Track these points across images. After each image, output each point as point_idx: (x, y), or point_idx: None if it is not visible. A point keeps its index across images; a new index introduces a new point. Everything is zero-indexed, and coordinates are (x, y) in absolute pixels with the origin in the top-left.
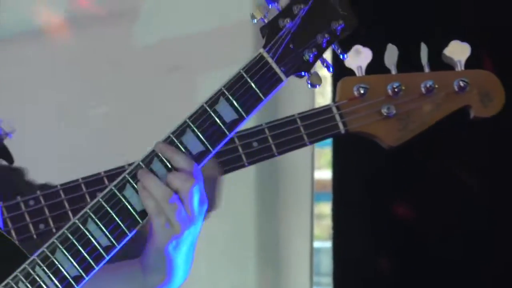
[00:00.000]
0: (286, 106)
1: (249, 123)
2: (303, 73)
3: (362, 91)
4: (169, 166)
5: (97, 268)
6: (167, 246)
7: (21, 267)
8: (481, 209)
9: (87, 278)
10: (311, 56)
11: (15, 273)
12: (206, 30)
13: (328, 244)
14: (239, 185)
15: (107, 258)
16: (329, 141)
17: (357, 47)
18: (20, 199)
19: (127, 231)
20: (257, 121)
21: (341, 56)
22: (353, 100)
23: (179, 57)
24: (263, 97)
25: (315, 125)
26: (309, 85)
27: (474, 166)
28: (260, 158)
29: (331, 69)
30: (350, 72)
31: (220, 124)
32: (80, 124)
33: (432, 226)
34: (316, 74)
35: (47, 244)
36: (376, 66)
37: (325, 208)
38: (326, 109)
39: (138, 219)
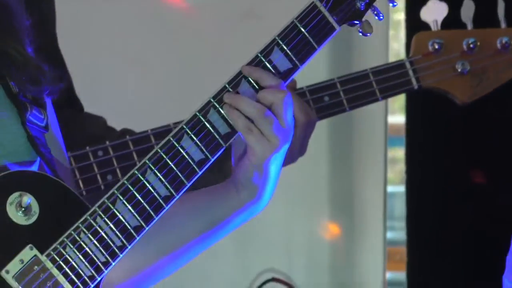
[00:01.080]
0: (361, 52)
1: (321, 76)
2: (355, 21)
3: (436, 47)
4: (257, 87)
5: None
6: (267, 160)
7: (82, 218)
8: None
9: (147, 228)
10: (362, 4)
11: (76, 224)
12: None
13: (402, 189)
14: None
15: (199, 173)
16: None
17: (434, 0)
18: (88, 149)
19: (209, 156)
20: (330, 73)
21: (390, 5)
22: (427, 56)
23: (254, 4)
24: (316, 46)
25: (387, 80)
26: (360, 34)
27: None
28: (331, 113)
29: (381, 16)
30: (422, 22)
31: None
32: (152, 73)
33: (504, 177)
34: (368, 23)
35: (107, 195)
36: (452, 21)
37: (399, 153)
38: (399, 64)
39: (221, 142)
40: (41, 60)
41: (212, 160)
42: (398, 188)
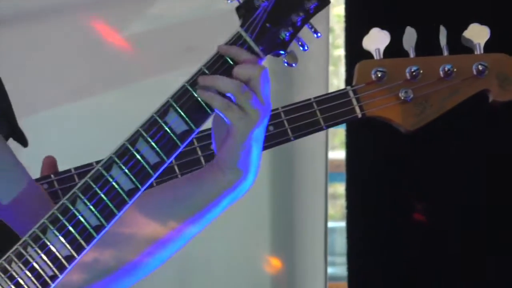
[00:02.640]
0: (300, 88)
1: None
2: (280, 51)
3: (379, 75)
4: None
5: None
6: (249, 136)
7: (13, 248)
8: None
9: (78, 258)
10: (288, 34)
11: (7, 254)
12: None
13: (343, 224)
14: None
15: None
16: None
17: (376, 29)
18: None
19: (165, 158)
20: (273, 105)
21: (315, 35)
22: (370, 84)
23: (192, 39)
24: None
25: (331, 109)
26: (285, 64)
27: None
28: (276, 143)
29: (306, 47)
30: (367, 55)
31: None
32: (93, 107)
33: (448, 210)
34: (293, 53)
35: (37, 225)
36: (394, 49)
37: (339, 188)
38: (343, 93)
39: (178, 142)
40: None
41: (168, 162)
42: (339, 224)
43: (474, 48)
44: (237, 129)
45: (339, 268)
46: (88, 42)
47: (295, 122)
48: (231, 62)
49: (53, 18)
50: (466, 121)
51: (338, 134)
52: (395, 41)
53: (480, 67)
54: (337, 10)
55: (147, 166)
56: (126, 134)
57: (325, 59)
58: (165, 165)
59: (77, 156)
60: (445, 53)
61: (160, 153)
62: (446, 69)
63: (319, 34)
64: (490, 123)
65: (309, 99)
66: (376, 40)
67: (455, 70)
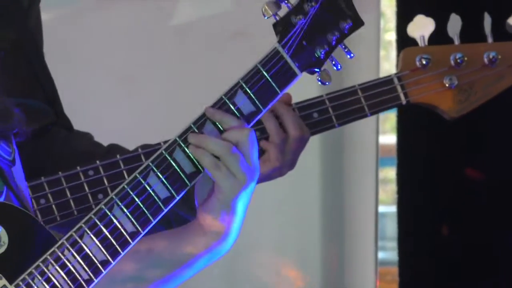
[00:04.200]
0: (351, 73)
1: (310, 93)
2: (315, 69)
3: (424, 62)
4: (221, 128)
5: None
6: (235, 198)
7: (51, 250)
8: None
9: (113, 263)
10: (323, 52)
11: (44, 256)
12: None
13: (393, 209)
14: (304, 150)
15: (165, 210)
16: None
17: (420, 16)
18: (79, 169)
19: (175, 194)
20: (320, 91)
21: (348, 56)
22: (415, 71)
23: (241, 24)
24: (279, 91)
25: (376, 96)
26: (319, 82)
27: None
28: (320, 130)
29: (339, 66)
30: (414, 42)
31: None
32: (143, 90)
33: (499, 193)
34: (326, 72)
35: (75, 228)
36: (439, 36)
37: (390, 173)
38: (387, 80)
39: (187, 181)
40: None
41: (178, 198)
42: (390, 208)
43: None
44: (223, 190)
45: (389, 253)
46: (137, 30)
47: (340, 109)
48: (219, 127)
49: (104, 5)
50: None
51: (389, 119)
52: (440, 28)
53: None
54: None
55: (183, 176)
56: (174, 121)
57: (376, 44)
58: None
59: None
60: (490, 40)
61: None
62: (491, 56)
63: (352, 55)
64: None
65: (354, 86)
66: (421, 27)
67: (499, 57)
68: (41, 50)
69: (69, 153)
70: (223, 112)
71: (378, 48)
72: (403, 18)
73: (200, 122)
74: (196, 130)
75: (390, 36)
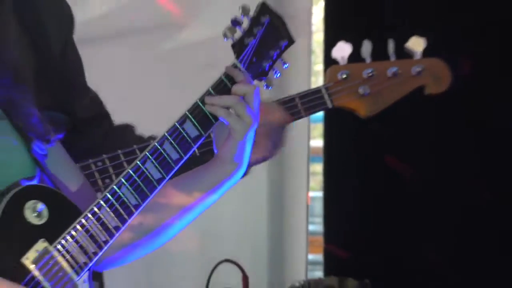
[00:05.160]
0: (288, 86)
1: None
2: (263, 78)
3: (344, 76)
4: (229, 86)
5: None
6: (244, 136)
7: (78, 220)
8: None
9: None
10: (267, 65)
11: (74, 224)
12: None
13: (320, 194)
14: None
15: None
16: (321, 117)
17: (341, 42)
18: (91, 160)
19: (192, 144)
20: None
21: (283, 66)
22: (337, 83)
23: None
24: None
25: (310, 102)
26: (265, 87)
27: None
28: None
29: (279, 74)
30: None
31: None
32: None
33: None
34: (270, 78)
35: (114, 182)
36: (355, 57)
37: (318, 168)
38: (317, 90)
39: (192, 143)
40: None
41: (204, 136)
42: (317, 194)
43: (414, 55)
44: (236, 131)
45: (317, 226)
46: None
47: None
48: (229, 85)
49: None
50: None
51: (317, 127)
52: (356, 51)
53: (418, 69)
54: (317, 36)
55: (170, 162)
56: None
57: (308, 73)
58: (183, 160)
59: None
60: (392, 58)
61: (180, 151)
62: (393, 70)
63: (286, 65)
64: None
65: (293, 95)
66: (342, 51)
67: (400, 71)
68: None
69: (116, 144)
70: (237, 71)
71: (309, 76)
72: (329, 54)
73: (215, 85)
74: (199, 104)
75: (318, 67)
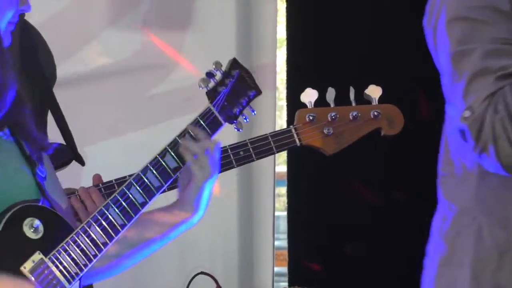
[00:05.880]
0: (257, 126)
1: (237, 138)
2: (234, 121)
3: (311, 118)
4: (195, 138)
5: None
6: (204, 182)
7: (70, 236)
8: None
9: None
10: (238, 111)
11: (66, 240)
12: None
13: (285, 213)
14: (227, 176)
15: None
16: None
17: (309, 88)
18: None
19: (172, 174)
20: (241, 137)
21: (252, 113)
22: (305, 124)
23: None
24: (211, 134)
25: (280, 140)
26: (235, 129)
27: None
28: (244, 162)
29: (247, 120)
30: (301, 105)
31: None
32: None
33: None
34: (240, 123)
35: (103, 205)
36: (322, 101)
37: (283, 190)
38: (288, 130)
39: (172, 174)
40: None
41: (165, 186)
42: (282, 213)
43: (372, 101)
44: (197, 177)
45: (282, 241)
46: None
47: (257, 149)
48: (204, 126)
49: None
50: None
51: (281, 154)
52: (322, 96)
53: (375, 113)
54: (281, 76)
55: (153, 188)
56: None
57: (273, 108)
58: (164, 187)
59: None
60: (353, 104)
61: (161, 180)
62: (354, 114)
63: (254, 112)
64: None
65: (266, 134)
66: (309, 96)
67: (360, 115)
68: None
69: None
70: (199, 129)
71: (274, 110)
72: (291, 91)
73: (183, 134)
74: (179, 140)
75: (282, 102)
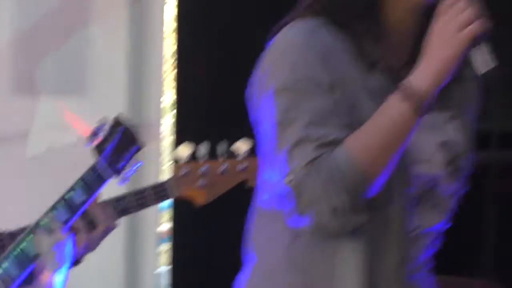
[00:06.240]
0: (143, 177)
1: (123, 190)
2: (118, 175)
3: (186, 171)
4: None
5: None
6: (53, 273)
7: None
8: None
9: None
10: (122, 164)
11: None
12: None
13: (168, 267)
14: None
15: None
16: (169, 204)
17: (184, 144)
18: None
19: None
20: (126, 190)
21: (137, 165)
22: (180, 177)
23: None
24: (96, 189)
25: (159, 192)
26: (121, 182)
27: None
28: (127, 213)
29: (132, 172)
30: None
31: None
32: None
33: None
34: (124, 175)
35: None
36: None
37: (165, 247)
38: (164, 183)
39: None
40: None
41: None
42: (165, 268)
43: (240, 155)
44: (47, 270)
45: None
46: None
47: (140, 200)
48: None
49: None
50: None
51: (166, 212)
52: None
53: (242, 167)
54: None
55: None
56: None
57: (157, 162)
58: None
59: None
60: (221, 160)
61: None
62: (224, 168)
63: (139, 164)
64: None
65: (147, 186)
66: (183, 151)
67: (228, 168)
68: None
69: None
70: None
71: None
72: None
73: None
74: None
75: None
